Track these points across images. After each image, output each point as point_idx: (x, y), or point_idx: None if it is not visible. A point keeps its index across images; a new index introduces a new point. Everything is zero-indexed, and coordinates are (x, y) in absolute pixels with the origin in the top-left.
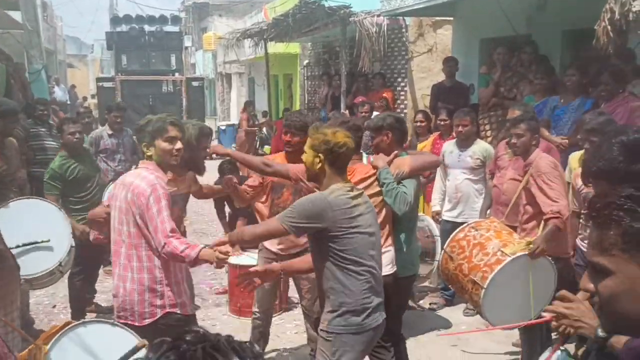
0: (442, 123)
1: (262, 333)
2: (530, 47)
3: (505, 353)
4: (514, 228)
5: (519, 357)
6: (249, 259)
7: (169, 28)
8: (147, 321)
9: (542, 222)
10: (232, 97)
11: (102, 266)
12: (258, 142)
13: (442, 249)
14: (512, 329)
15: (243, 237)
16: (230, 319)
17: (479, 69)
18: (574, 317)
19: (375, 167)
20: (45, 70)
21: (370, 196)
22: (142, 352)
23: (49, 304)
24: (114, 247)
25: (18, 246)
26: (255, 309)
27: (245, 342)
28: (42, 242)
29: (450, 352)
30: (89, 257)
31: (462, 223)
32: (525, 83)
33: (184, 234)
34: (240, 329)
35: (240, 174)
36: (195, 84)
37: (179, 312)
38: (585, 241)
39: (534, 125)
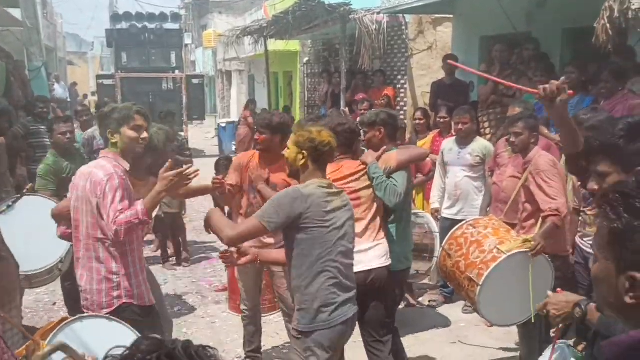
0: (441, 120)
1: (255, 328)
2: (531, 45)
3: (504, 350)
4: (513, 225)
5: (518, 354)
6: None
7: (169, 25)
8: (105, 311)
9: (540, 219)
10: (232, 95)
11: None
12: None
13: (441, 246)
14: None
15: (226, 242)
16: (230, 316)
17: (479, 67)
18: (554, 306)
19: (364, 163)
20: (45, 68)
21: (360, 190)
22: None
23: (49, 302)
24: (75, 236)
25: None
26: (243, 306)
27: (205, 346)
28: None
29: (449, 349)
30: None
31: (461, 220)
32: (525, 81)
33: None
34: (239, 326)
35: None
36: (195, 81)
37: (136, 302)
38: (585, 239)
39: (532, 123)
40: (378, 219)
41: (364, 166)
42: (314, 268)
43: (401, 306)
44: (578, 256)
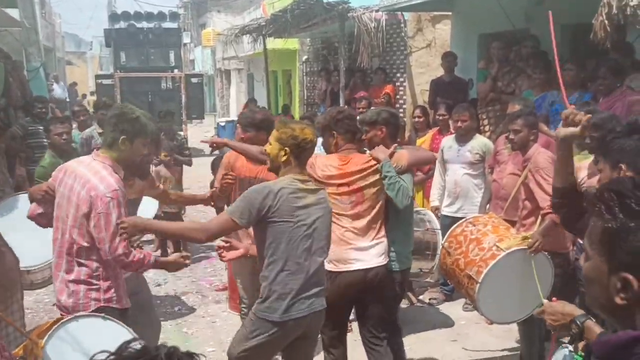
0: (440, 118)
1: None
2: (530, 42)
3: (505, 348)
4: (513, 223)
5: (518, 352)
6: None
7: (168, 24)
8: (81, 314)
9: (540, 217)
10: (232, 93)
11: None
12: None
13: (441, 244)
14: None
15: (192, 236)
16: (230, 315)
17: (477, 64)
18: (551, 316)
19: (375, 159)
20: (44, 68)
21: (365, 187)
22: None
23: (49, 302)
24: (55, 234)
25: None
26: (242, 305)
27: (192, 353)
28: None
29: (450, 347)
30: None
31: (461, 218)
32: (524, 78)
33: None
34: (239, 325)
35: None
36: (194, 80)
37: (114, 306)
38: None
39: (531, 121)
40: (380, 218)
41: (372, 162)
42: (278, 262)
43: (403, 305)
44: (578, 252)
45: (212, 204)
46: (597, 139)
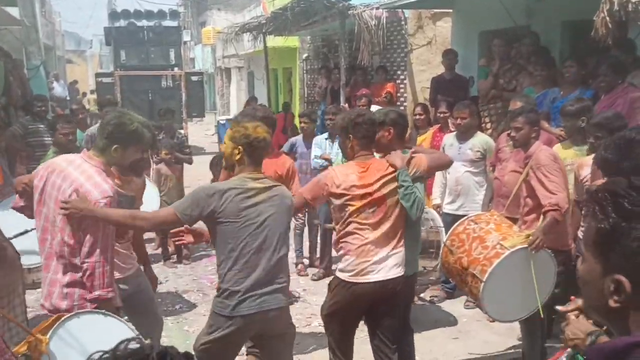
0: (441, 116)
1: None
2: (531, 39)
3: (507, 346)
4: (515, 220)
5: (520, 349)
6: None
7: (168, 23)
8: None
9: (542, 214)
10: (232, 92)
11: None
12: None
13: (442, 242)
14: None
15: (135, 224)
16: None
17: (478, 62)
18: (573, 329)
19: (392, 165)
20: (44, 66)
21: (387, 195)
22: None
23: None
24: (42, 234)
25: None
26: None
27: (186, 353)
28: (32, 229)
29: (452, 344)
30: None
31: (463, 216)
32: (525, 75)
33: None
34: None
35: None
36: (194, 78)
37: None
38: None
39: (532, 118)
40: (400, 227)
41: (391, 169)
42: (227, 260)
43: None
44: (580, 249)
45: None
46: (602, 138)
